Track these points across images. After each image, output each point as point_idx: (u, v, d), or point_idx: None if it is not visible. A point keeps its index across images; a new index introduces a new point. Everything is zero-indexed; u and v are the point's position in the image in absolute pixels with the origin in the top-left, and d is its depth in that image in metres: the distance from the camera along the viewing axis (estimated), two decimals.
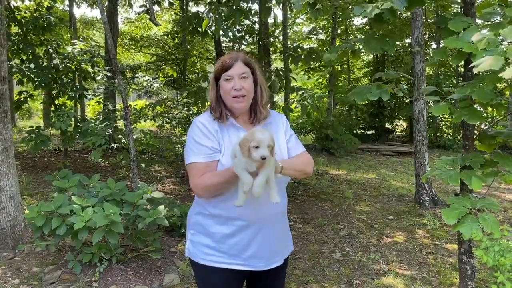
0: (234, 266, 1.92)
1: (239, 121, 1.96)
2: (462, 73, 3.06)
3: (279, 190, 1.98)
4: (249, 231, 1.90)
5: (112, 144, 8.11)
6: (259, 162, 1.66)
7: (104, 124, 6.92)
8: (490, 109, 2.48)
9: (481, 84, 2.45)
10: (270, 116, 2.03)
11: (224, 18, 5.84)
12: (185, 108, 8.10)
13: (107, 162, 9.33)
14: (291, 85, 7.41)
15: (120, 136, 7.75)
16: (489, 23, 2.57)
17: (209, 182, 1.82)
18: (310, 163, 2.03)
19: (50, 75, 7.84)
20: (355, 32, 15.78)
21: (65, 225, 3.62)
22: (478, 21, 2.88)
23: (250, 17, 7.63)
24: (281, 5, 7.46)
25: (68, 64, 8.12)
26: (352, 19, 14.68)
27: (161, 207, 4.08)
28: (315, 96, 7.21)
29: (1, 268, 4.01)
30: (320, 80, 16.47)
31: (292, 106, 7.68)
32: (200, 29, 6.57)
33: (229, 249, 1.91)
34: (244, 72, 1.90)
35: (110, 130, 7.12)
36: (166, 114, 8.03)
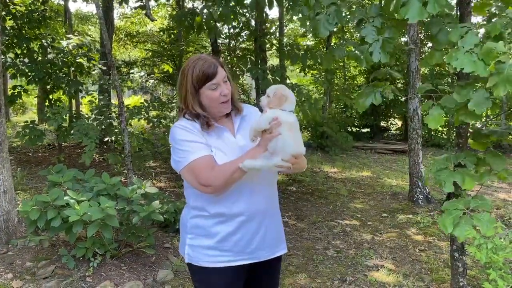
0: (240, 262, 1.91)
1: (220, 123, 1.94)
2: (457, 72, 3.07)
3: (272, 182, 2.03)
4: (251, 225, 1.90)
5: (107, 138, 8.07)
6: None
7: (96, 123, 6.85)
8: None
9: (477, 85, 2.46)
10: (244, 110, 2.03)
11: (215, 17, 5.85)
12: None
13: (101, 157, 9.30)
14: (287, 82, 7.41)
15: (116, 130, 7.70)
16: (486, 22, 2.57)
17: (229, 170, 1.76)
18: (305, 160, 2.04)
19: (44, 70, 7.79)
20: (351, 30, 15.78)
21: (60, 218, 3.60)
22: (474, 19, 2.89)
23: (247, 14, 7.62)
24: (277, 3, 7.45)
25: (64, 59, 8.07)
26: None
27: (156, 202, 4.08)
28: (312, 98, 7.21)
29: None
30: (316, 76, 16.41)
31: None
32: (195, 25, 6.57)
33: (234, 246, 1.89)
34: (225, 76, 1.89)
35: (104, 127, 7.08)
36: (161, 112, 8.00)
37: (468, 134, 3.30)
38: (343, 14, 2.64)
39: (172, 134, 1.89)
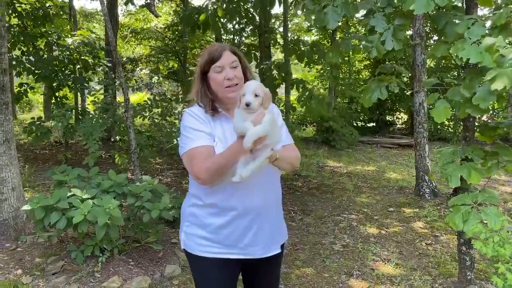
0: (231, 256, 1.94)
1: (230, 113, 1.93)
2: (463, 65, 3.05)
3: (277, 184, 2.03)
4: (244, 221, 1.91)
5: (113, 139, 8.09)
6: (247, 111, 1.68)
7: (101, 120, 6.85)
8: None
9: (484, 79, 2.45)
10: None
11: (220, 15, 5.88)
12: (185, 103, 8.09)
13: (108, 154, 9.34)
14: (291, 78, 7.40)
15: (121, 128, 7.72)
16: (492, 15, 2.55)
17: (212, 165, 1.78)
18: (299, 158, 2.05)
19: (50, 67, 7.82)
20: (356, 25, 15.70)
21: (65, 218, 3.62)
22: (480, 12, 2.88)
23: (251, 9, 7.61)
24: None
25: (69, 56, 8.10)
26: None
27: (166, 200, 4.08)
28: (320, 94, 7.20)
29: (4, 258, 4.04)
30: (321, 71, 16.38)
31: (295, 105, 7.72)
32: (200, 24, 6.58)
33: (225, 239, 1.92)
34: (234, 61, 1.90)
35: (109, 125, 7.09)
36: (168, 106, 8.01)
37: (475, 127, 3.29)
38: (351, 6, 2.64)
39: (182, 120, 1.95)
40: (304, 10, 2.83)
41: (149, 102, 7.59)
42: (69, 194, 3.78)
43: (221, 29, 6.51)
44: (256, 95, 1.69)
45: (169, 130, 7.90)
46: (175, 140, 7.82)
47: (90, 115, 7.31)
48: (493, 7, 2.90)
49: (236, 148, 1.72)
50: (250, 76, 1.99)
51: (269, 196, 1.98)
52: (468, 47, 2.24)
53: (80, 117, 8.14)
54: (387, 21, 2.55)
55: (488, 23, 2.46)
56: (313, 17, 2.73)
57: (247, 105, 1.67)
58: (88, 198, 3.73)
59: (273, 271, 2.16)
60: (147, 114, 7.57)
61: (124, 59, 14.81)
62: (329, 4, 2.60)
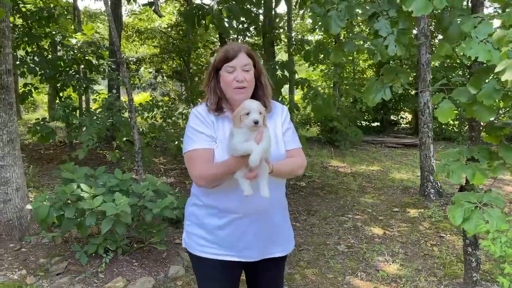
0: (228, 258, 1.93)
1: None
2: (469, 64, 3.02)
3: (277, 185, 1.98)
4: (242, 224, 1.90)
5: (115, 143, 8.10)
6: (254, 129, 1.68)
7: (101, 119, 6.85)
8: (497, 100, 2.47)
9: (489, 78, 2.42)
10: (273, 108, 2.02)
11: (226, 16, 5.88)
12: (186, 104, 8.13)
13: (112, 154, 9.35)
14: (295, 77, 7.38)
15: (121, 129, 7.72)
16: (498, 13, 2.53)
17: (209, 172, 1.80)
18: (302, 166, 1.99)
19: (54, 68, 7.84)
20: (360, 24, 15.65)
21: (74, 209, 3.64)
22: (486, 11, 2.85)
23: (254, 9, 7.60)
24: None
25: (73, 57, 8.12)
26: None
27: (169, 198, 4.06)
28: (325, 96, 7.17)
29: (8, 259, 4.05)
30: (325, 70, 16.34)
31: (299, 104, 7.71)
32: (203, 21, 6.57)
33: (222, 241, 1.92)
34: (247, 64, 1.88)
35: (109, 123, 7.09)
36: (168, 110, 8.03)
37: (481, 127, 3.26)
38: (355, 10, 2.63)
39: (188, 119, 1.96)
40: (310, 13, 2.81)
41: (150, 103, 7.61)
42: (79, 190, 3.79)
43: (230, 28, 6.52)
44: (260, 113, 1.70)
45: (171, 129, 7.90)
46: (178, 141, 7.83)
47: (95, 113, 7.33)
48: (500, 5, 2.86)
49: (235, 165, 1.72)
50: (263, 81, 1.97)
51: (271, 199, 1.91)
52: (475, 46, 2.21)
53: (84, 116, 8.16)
54: (391, 25, 2.53)
55: (497, 23, 2.44)
56: (319, 20, 2.72)
57: (256, 123, 1.67)
58: (98, 195, 3.73)
59: (276, 272, 2.14)
60: (148, 115, 7.58)
61: (133, 59, 14.82)
62: (333, 9, 2.57)
